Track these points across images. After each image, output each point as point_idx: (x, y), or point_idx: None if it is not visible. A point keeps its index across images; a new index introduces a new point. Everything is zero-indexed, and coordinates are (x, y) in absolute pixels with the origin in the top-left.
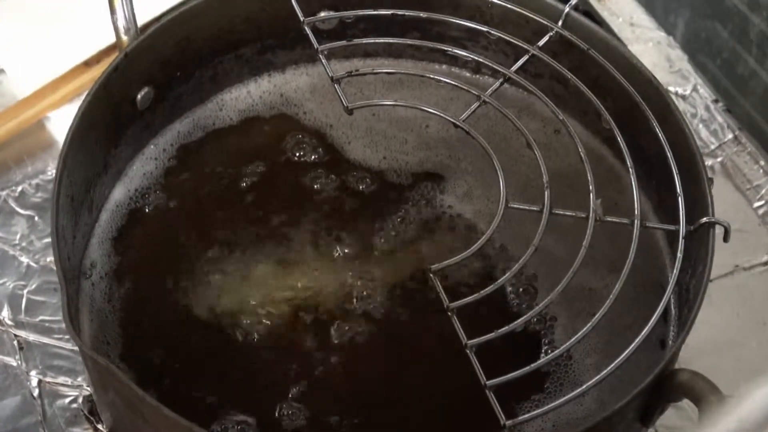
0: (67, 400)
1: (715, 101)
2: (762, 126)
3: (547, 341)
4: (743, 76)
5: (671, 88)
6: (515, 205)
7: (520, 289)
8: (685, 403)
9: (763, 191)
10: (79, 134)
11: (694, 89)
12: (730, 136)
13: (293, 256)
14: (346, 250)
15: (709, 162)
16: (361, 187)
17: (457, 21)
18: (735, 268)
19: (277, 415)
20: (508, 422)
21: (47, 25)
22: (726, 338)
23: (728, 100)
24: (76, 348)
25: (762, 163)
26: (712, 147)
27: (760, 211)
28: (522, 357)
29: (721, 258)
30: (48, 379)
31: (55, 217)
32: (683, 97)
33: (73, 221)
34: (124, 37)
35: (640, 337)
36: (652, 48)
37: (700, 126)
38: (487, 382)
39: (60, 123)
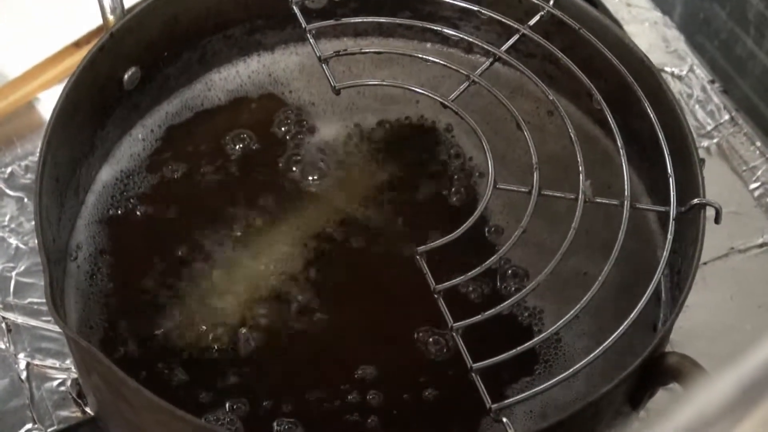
0: (56, 382)
1: (712, 82)
2: (759, 107)
3: (538, 328)
4: (741, 57)
5: (667, 69)
6: (504, 186)
7: (511, 274)
8: (677, 386)
9: (759, 173)
10: (64, 116)
11: (691, 70)
12: (727, 117)
13: (284, 240)
14: (331, 231)
15: (705, 143)
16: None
17: (449, 0)
18: (730, 250)
19: (263, 407)
20: (494, 405)
21: (37, 5)
22: (720, 322)
23: (725, 81)
24: None
25: (758, 144)
26: (708, 128)
27: (756, 193)
28: (514, 344)
29: (715, 240)
30: (36, 362)
31: (39, 199)
32: (679, 78)
33: (59, 203)
34: (111, 17)
35: (628, 320)
36: (649, 28)
37: (696, 107)
38: (473, 365)
39: (50, 104)
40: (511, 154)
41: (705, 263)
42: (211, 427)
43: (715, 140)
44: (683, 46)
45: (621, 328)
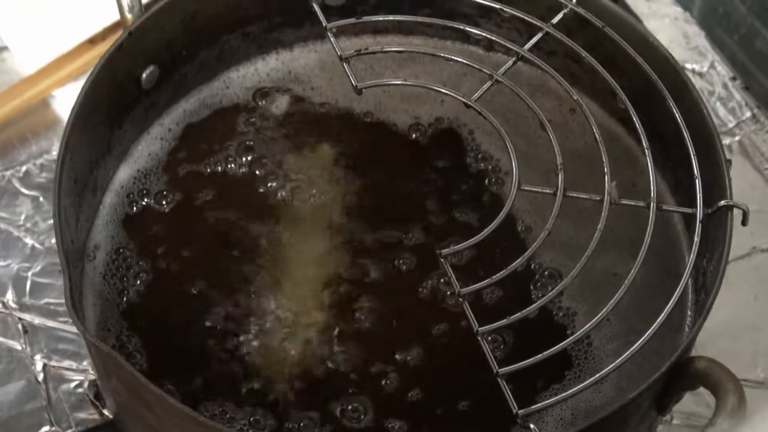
0: (73, 384)
1: (733, 78)
2: None
3: (570, 331)
4: (762, 52)
5: (688, 65)
6: (528, 188)
7: (548, 276)
8: (703, 389)
9: None
10: (82, 115)
11: (712, 66)
12: (749, 114)
13: (308, 240)
14: (356, 233)
15: (726, 141)
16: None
17: None
18: (752, 249)
19: (285, 409)
20: (521, 411)
21: (52, 1)
22: (743, 321)
23: (746, 77)
24: None
25: None
26: (730, 125)
27: None
28: (546, 348)
29: (738, 239)
30: (53, 363)
31: (58, 200)
32: (700, 75)
33: (77, 203)
34: (129, 15)
35: (656, 323)
36: (669, 24)
37: (718, 104)
38: (499, 370)
39: (65, 101)
40: (533, 152)
41: (728, 263)
42: None
43: (737, 138)
44: (704, 42)
45: (649, 332)
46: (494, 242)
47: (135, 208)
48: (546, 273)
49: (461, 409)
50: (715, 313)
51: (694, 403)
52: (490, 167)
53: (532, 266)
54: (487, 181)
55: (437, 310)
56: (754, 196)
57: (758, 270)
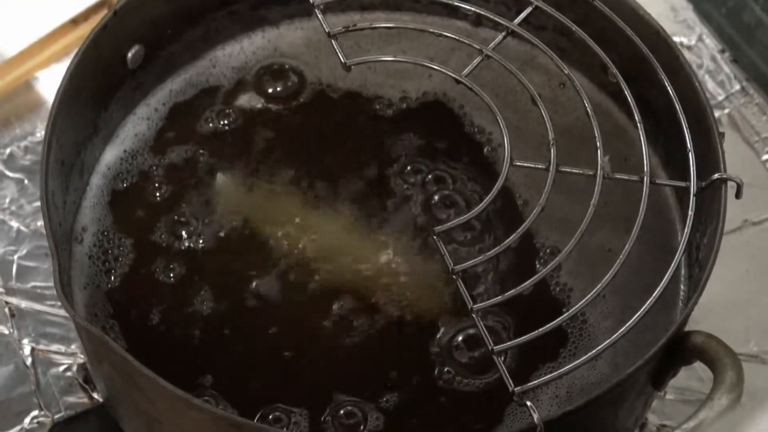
0: (62, 368)
1: (722, 51)
2: None
3: (566, 309)
4: (749, 25)
5: (676, 39)
6: (520, 163)
7: (549, 253)
8: (696, 363)
9: None
10: (68, 97)
11: (700, 39)
12: (738, 87)
13: (299, 215)
14: (349, 208)
15: (716, 114)
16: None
17: None
18: (744, 223)
19: (272, 394)
20: (517, 389)
21: None
22: (735, 296)
23: (734, 49)
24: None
25: None
26: (719, 99)
27: None
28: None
29: (729, 213)
30: (41, 347)
31: (45, 183)
32: (689, 48)
33: (64, 185)
34: None
35: (651, 299)
36: None
37: (707, 77)
38: (494, 348)
39: (48, 83)
40: (524, 127)
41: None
42: (228, 415)
43: (726, 111)
44: (691, 15)
45: (644, 307)
46: (495, 216)
47: (122, 190)
48: (548, 250)
49: (455, 389)
50: (707, 288)
51: (687, 377)
52: (484, 139)
53: (536, 244)
54: (485, 150)
55: (432, 287)
56: (744, 169)
57: (750, 244)
